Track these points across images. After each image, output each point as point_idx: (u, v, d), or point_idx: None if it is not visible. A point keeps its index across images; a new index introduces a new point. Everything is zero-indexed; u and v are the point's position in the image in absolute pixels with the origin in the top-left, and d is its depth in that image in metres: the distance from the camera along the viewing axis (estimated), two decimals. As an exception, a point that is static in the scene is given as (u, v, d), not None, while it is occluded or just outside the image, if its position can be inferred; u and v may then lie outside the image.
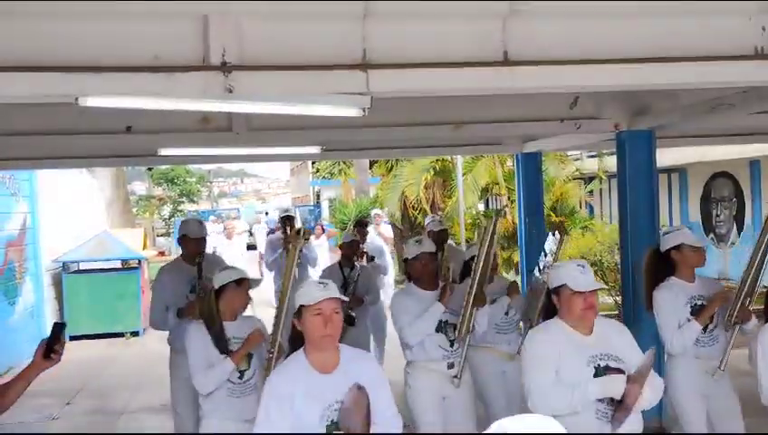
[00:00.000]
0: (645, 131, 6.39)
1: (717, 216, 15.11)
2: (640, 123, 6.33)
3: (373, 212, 15.44)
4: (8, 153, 7.80)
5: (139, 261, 13.43)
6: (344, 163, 28.49)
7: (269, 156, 8.58)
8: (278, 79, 3.28)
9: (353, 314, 6.85)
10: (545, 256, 5.85)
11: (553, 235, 5.92)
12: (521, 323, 5.91)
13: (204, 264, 5.72)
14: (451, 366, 5.03)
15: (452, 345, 5.03)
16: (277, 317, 4.35)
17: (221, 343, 4.37)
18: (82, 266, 12.97)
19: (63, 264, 12.86)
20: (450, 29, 3.43)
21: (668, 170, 14.93)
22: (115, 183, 17.75)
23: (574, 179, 16.70)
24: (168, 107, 3.76)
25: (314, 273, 9.82)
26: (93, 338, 12.46)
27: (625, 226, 6.60)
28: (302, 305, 3.19)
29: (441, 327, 5.01)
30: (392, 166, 21.85)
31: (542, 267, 5.80)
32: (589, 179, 17.09)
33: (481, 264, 5.14)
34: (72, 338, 12.54)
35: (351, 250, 7.91)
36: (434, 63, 3.39)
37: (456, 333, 5.01)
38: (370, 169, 26.06)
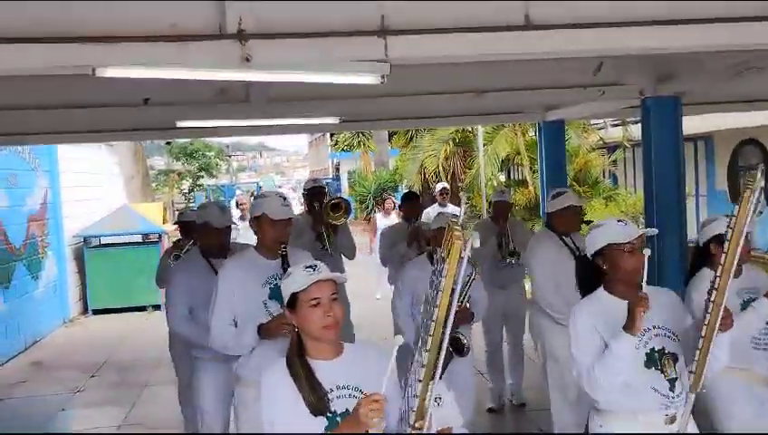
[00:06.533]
0: (670, 98, 6.26)
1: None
2: (665, 89, 6.20)
3: (439, 186, 12.01)
4: (27, 127, 7.81)
5: (160, 235, 13.50)
6: (363, 135, 28.44)
7: (287, 127, 8.50)
8: (295, 47, 3.21)
9: (464, 340, 4.75)
10: None
11: None
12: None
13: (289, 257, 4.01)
14: (672, 420, 3.22)
15: (672, 388, 3.20)
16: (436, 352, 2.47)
17: (316, 400, 2.63)
18: (103, 241, 13.08)
19: (84, 238, 12.99)
20: (470, -7, 3.34)
21: (694, 138, 14.70)
22: (134, 158, 17.81)
23: (598, 148, 16.53)
24: (185, 77, 3.72)
25: (354, 270, 6.11)
26: (115, 312, 12.66)
27: (650, 195, 6.47)
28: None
29: (654, 359, 3.21)
30: (412, 137, 21.86)
31: None
32: (612, 149, 16.91)
33: (737, 253, 3.09)
34: (95, 312, 12.79)
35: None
36: (453, 29, 3.30)
37: (680, 370, 3.23)
38: (390, 140, 26.03)
